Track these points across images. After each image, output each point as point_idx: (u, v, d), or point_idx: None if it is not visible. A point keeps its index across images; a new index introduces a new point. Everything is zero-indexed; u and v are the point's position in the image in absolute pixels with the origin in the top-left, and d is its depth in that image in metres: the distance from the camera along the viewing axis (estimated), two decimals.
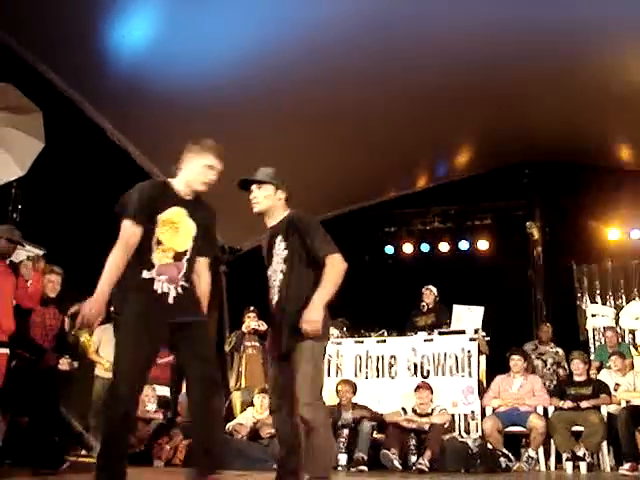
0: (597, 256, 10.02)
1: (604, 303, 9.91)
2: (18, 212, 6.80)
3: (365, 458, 6.11)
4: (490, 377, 7.13)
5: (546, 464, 6.40)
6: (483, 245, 10.51)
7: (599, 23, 6.09)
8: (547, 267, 10.13)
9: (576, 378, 6.75)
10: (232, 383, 7.50)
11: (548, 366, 7.79)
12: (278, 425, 3.47)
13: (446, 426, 6.41)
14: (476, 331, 7.20)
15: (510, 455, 6.30)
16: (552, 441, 6.42)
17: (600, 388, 6.56)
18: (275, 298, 3.41)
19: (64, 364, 5.45)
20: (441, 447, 6.09)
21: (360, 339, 7.53)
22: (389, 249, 11.11)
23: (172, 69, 6.61)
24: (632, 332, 9.13)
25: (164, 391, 7.63)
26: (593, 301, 10.00)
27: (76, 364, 5.85)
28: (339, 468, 6.08)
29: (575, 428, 6.36)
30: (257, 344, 7.50)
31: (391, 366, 7.28)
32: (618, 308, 9.70)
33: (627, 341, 8.88)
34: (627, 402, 6.39)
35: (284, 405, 3.37)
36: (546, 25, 6.15)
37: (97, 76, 6.66)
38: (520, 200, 10.34)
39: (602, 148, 8.85)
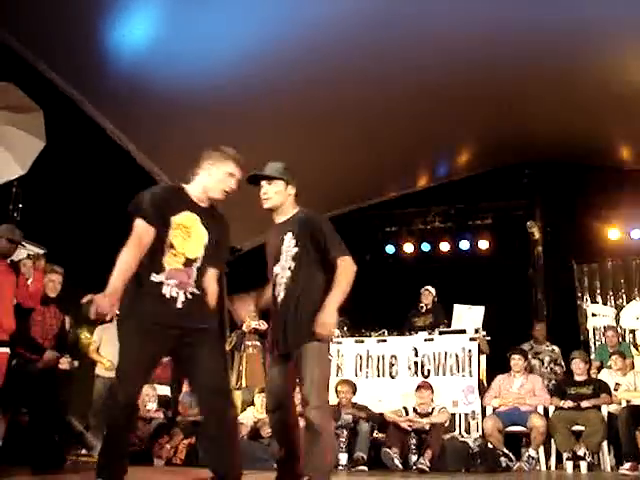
0: (598, 256, 10.01)
1: (605, 303, 9.91)
2: (19, 211, 6.80)
3: (365, 458, 6.11)
4: (491, 377, 7.13)
5: (546, 464, 6.40)
6: (484, 245, 10.50)
7: (599, 23, 6.09)
8: (547, 267, 10.13)
9: (577, 378, 6.75)
10: (233, 382, 7.49)
11: (545, 365, 7.78)
12: (275, 425, 3.45)
13: (446, 425, 6.41)
14: (477, 330, 7.21)
15: (510, 455, 6.30)
16: (552, 441, 6.41)
17: (600, 388, 6.56)
18: (281, 295, 3.35)
19: (64, 363, 5.45)
20: (442, 447, 6.09)
21: (361, 338, 7.53)
22: (390, 249, 11.11)
23: (173, 68, 6.61)
24: (632, 332, 9.13)
25: (165, 390, 7.63)
26: (594, 301, 9.99)
27: (76, 363, 5.85)
28: (340, 467, 6.09)
29: (575, 428, 6.35)
30: (257, 343, 7.52)
31: (392, 366, 7.28)
32: (619, 308, 9.70)
33: (627, 341, 8.87)
34: (627, 402, 6.38)
35: (281, 404, 3.35)
36: (546, 25, 6.16)
37: (98, 75, 6.67)
38: (521, 200, 10.32)
39: (603, 148, 8.86)
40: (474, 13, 6.12)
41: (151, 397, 7.03)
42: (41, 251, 6.38)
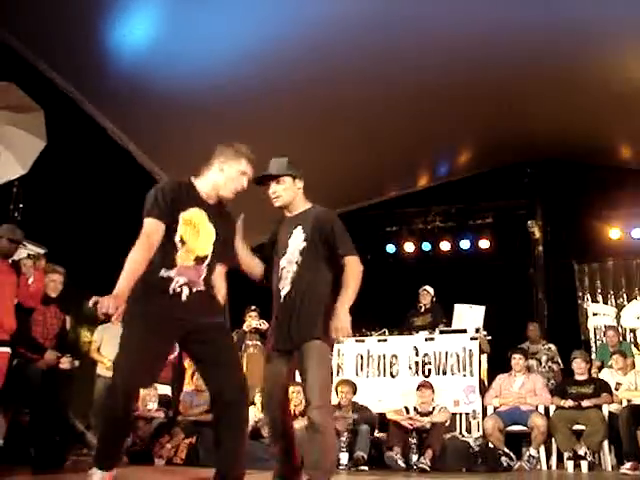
0: (598, 255, 10.02)
1: (605, 302, 9.91)
2: (19, 211, 6.80)
3: (365, 457, 6.11)
4: (491, 376, 7.14)
5: (547, 463, 6.40)
6: (484, 244, 10.50)
7: (599, 23, 6.09)
8: (548, 266, 10.13)
9: (577, 377, 6.75)
10: None
11: (543, 364, 7.77)
12: (271, 423, 3.43)
13: (447, 424, 6.41)
14: (477, 330, 7.21)
15: (511, 454, 6.30)
16: (553, 440, 6.42)
17: (601, 387, 6.56)
18: (286, 289, 3.33)
19: (65, 363, 5.45)
20: (442, 446, 6.10)
21: (361, 338, 7.51)
22: (390, 248, 11.11)
23: (173, 68, 6.62)
24: (633, 331, 9.15)
25: (165, 390, 7.63)
26: (594, 300, 9.99)
27: (77, 363, 5.85)
28: (340, 467, 6.09)
29: (576, 427, 6.36)
30: (258, 343, 7.50)
31: (392, 365, 7.29)
32: (619, 307, 9.71)
33: (628, 340, 8.88)
34: (628, 401, 6.39)
35: (278, 403, 3.35)
36: (546, 25, 6.16)
37: (98, 75, 6.67)
38: (521, 199, 10.32)
39: (603, 147, 8.86)
40: (474, 13, 6.12)
41: (152, 397, 7.02)
42: (42, 251, 6.39)
